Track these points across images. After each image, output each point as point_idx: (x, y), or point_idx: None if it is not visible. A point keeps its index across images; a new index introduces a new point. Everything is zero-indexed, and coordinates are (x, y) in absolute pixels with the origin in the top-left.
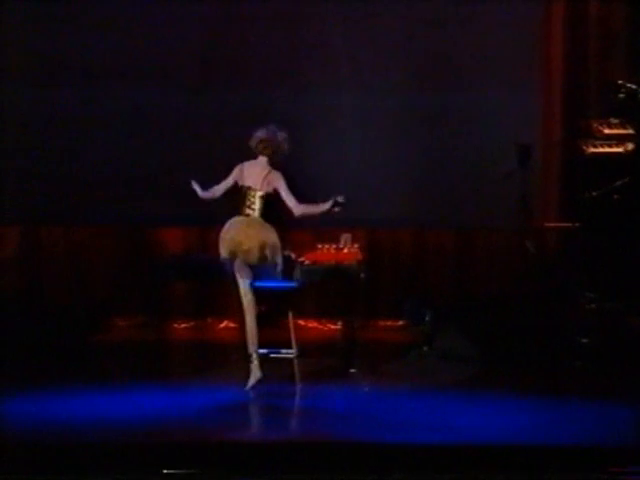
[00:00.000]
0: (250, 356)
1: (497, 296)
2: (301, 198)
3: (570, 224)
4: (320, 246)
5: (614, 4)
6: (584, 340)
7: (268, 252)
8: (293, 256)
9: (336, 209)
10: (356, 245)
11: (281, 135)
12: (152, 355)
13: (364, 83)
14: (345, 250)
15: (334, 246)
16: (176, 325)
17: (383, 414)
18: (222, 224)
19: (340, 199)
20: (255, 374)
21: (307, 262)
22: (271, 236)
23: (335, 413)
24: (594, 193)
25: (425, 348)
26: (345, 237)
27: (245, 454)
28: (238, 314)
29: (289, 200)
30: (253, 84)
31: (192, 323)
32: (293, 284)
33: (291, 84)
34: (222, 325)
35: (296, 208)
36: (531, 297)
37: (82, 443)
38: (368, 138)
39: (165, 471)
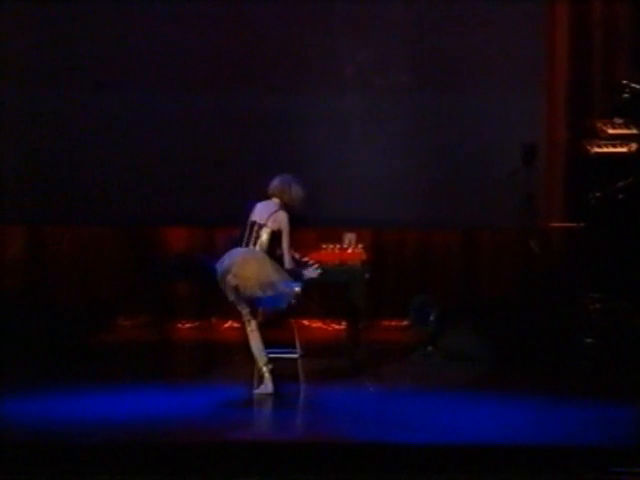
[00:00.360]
0: (260, 370)
1: (502, 296)
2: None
3: (574, 224)
4: (324, 246)
5: (618, 4)
6: (588, 340)
7: (267, 287)
8: (297, 256)
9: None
10: (360, 245)
11: (295, 188)
12: (156, 355)
13: (369, 85)
14: (349, 250)
15: (338, 246)
16: (180, 325)
17: (387, 414)
18: (226, 224)
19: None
20: (267, 387)
21: (311, 262)
22: (269, 272)
23: (339, 413)
24: (598, 193)
25: (430, 348)
26: (349, 237)
27: (249, 454)
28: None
29: (285, 251)
30: (259, 86)
31: (196, 323)
32: (297, 285)
33: (296, 86)
34: (226, 325)
35: (287, 263)
36: (536, 297)
37: (86, 443)
38: (373, 139)
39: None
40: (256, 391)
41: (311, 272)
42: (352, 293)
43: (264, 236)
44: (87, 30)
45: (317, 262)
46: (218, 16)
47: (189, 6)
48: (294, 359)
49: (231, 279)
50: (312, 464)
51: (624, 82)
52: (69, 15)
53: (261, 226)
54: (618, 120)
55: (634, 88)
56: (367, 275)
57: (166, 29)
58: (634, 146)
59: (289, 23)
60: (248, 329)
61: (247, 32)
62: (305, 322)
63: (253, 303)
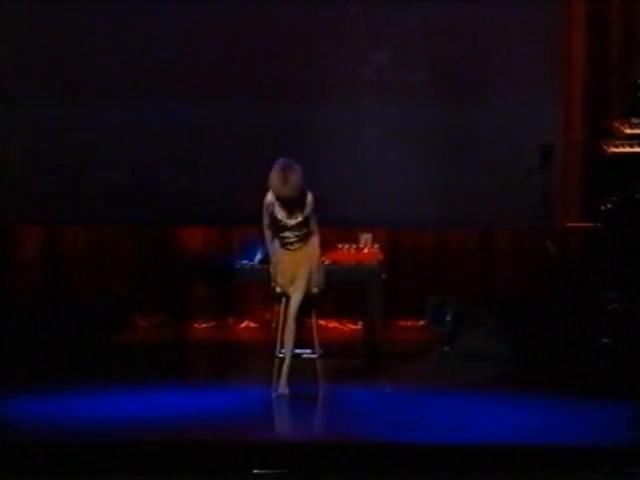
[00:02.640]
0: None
1: (518, 296)
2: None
3: (591, 224)
4: (340, 246)
5: (635, 4)
6: (605, 340)
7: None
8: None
9: None
10: (376, 245)
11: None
12: (172, 355)
13: (385, 88)
14: (365, 250)
15: (354, 246)
16: (197, 325)
17: (404, 414)
18: (244, 224)
19: None
20: (284, 388)
21: (327, 262)
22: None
23: (356, 413)
24: (615, 193)
25: (446, 348)
26: (365, 237)
27: (266, 454)
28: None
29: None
30: (275, 92)
31: (213, 323)
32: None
33: (314, 91)
34: (243, 325)
35: None
36: (552, 297)
37: (101, 442)
38: (389, 140)
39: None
40: (276, 392)
41: None
42: (368, 293)
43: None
44: (100, 39)
45: (334, 262)
46: (236, 26)
47: (199, 13)
48: (312, 359)
49: None
50: (329, 464)
51: None
52: (77, 24)
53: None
54: (635, 120)
55: None
56: (383, 275)
57: (185, 41)
58: None
59: (304, 32)
60: (292, 324)
61: (267, 44)
62: (321, 322)
63: None
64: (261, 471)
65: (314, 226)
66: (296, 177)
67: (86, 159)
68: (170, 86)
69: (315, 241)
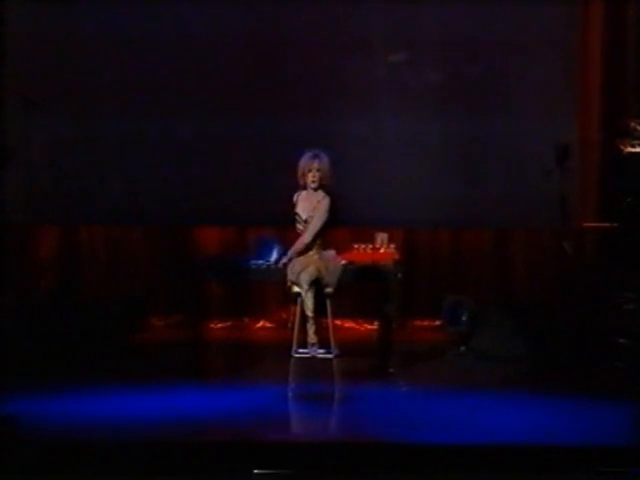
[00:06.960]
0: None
1: (534, 296)
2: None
3: (608, 224)
4: (356, 246)
5: None
6: (622, 340)
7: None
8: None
9: None
10: (392, 245)
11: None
12: (189, 355)
13: (400, 85)
14: (381, 250)
15: (370, 246)
16: (213, 325)
17: (420, 414)
18: (260, 224)
19: None
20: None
21: (344, 262)
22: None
23: (372, 413)
24: (631, 193)
25: (462, 348)
26: (381, 237)
27: (280, 454)
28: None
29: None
30: (295, 102)
31: (229, 323)
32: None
33: (333, 102)
34: (259, 325)
35: None
36: (569, 297)
37: (118, 442)
38: (405, 139)
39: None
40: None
41: None
42: (385, 293)
43: None
44: (121, 50)
45: (350, 262)
46: (254, 39)
47: (212, 24)
48: (328, 359)
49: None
50: (345, 464)
51: None
52: (100, 36)
53: None
54: None
55: None
56: (399, 275)
57: (204, 52)
58: None
59: (328, 48)
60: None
61: (286, 56)
62: (337, 322)
63: None
64: (274, 471)
65: (310, 225)
66: (324, 162)
67: (103, 160)
68: (188, 94)
69: (302, 239)
